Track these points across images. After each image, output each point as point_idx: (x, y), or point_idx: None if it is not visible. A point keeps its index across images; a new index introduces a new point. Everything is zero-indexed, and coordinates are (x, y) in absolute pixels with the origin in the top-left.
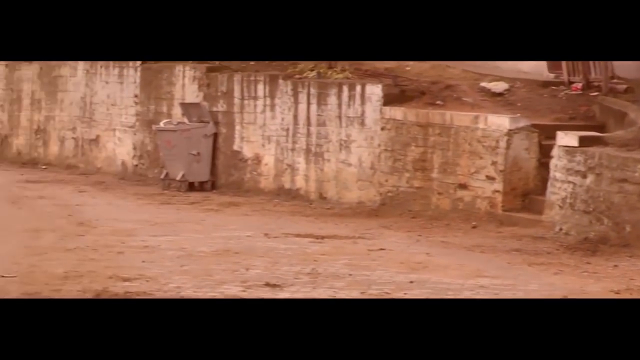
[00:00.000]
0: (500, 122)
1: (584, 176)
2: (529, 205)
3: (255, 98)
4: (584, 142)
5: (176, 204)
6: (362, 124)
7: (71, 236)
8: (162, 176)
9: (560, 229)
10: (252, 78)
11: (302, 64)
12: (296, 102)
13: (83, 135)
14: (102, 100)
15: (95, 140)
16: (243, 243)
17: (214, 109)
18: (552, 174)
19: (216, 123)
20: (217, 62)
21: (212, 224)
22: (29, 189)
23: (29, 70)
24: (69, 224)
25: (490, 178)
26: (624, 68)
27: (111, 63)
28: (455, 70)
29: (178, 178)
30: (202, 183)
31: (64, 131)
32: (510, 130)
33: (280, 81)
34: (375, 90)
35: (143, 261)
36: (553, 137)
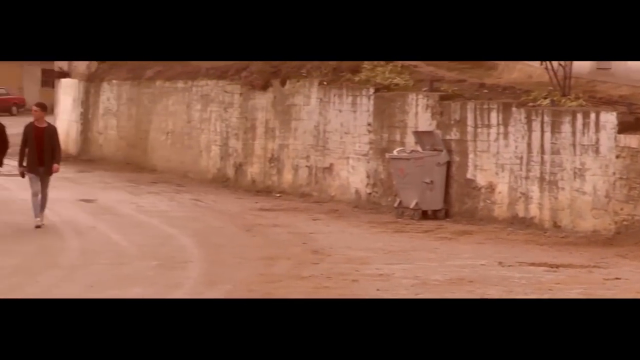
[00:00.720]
0: None
1: None
2: None
3: (489, 126)
4: None
5: (410, 232)
6: (597, 152)
7: (305, 264)
8: (396, 204)
9: None
10: (485, 106)
11: (536, 92)
12: (530, 130)
13: (317, 163)
14: (336, 129)
15: (329, 169)
16: (477, 272)
17: (447, 137)
18: None
19: (449, 151)
20: (450, 90)
21: (446, 252)
22: (263, 216)
23: (263, 99)
24: (303, 252)
25: None
26: None
27: (345, 91)
28: None
29: (411, 206)
30: (435, 211)
31: (297, 159)
32: None
33: (514, 109)
34: (609, 118)
35: (377, 289)
36: None
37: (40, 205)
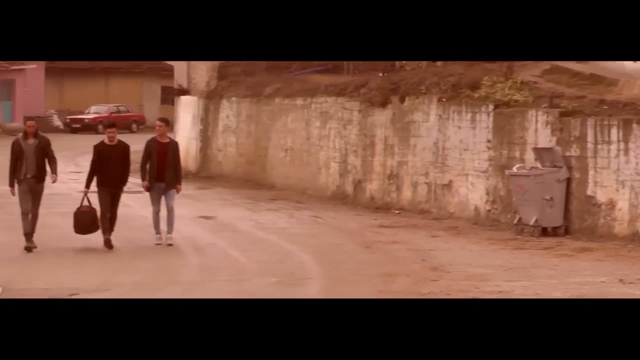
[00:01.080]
0: None
1: None
2: None
3: (609, 142)
4: None
5: (529, 249)
6: None
7: (425, 281)
8: (515, 221)
9: None
10: (606, 122)
11: None
12: None
13: (436, 180)
14: (455, 145)
15: (448, 185)
16: (598, 289)
17: (567, 153)
18: None
19: (569, 168)
20: (569, 107)
21: (566, 270)
22: (382, 233)
23: (382, 116)
24: (422, 269)
25: None
26: None
27: (464, 108)
28: None
29: (531, 223)
30: (555, 228)
31: (416, 176)
32: None
33: (634, 125)
34: None
35: None
36: None
37: (167, 222)
